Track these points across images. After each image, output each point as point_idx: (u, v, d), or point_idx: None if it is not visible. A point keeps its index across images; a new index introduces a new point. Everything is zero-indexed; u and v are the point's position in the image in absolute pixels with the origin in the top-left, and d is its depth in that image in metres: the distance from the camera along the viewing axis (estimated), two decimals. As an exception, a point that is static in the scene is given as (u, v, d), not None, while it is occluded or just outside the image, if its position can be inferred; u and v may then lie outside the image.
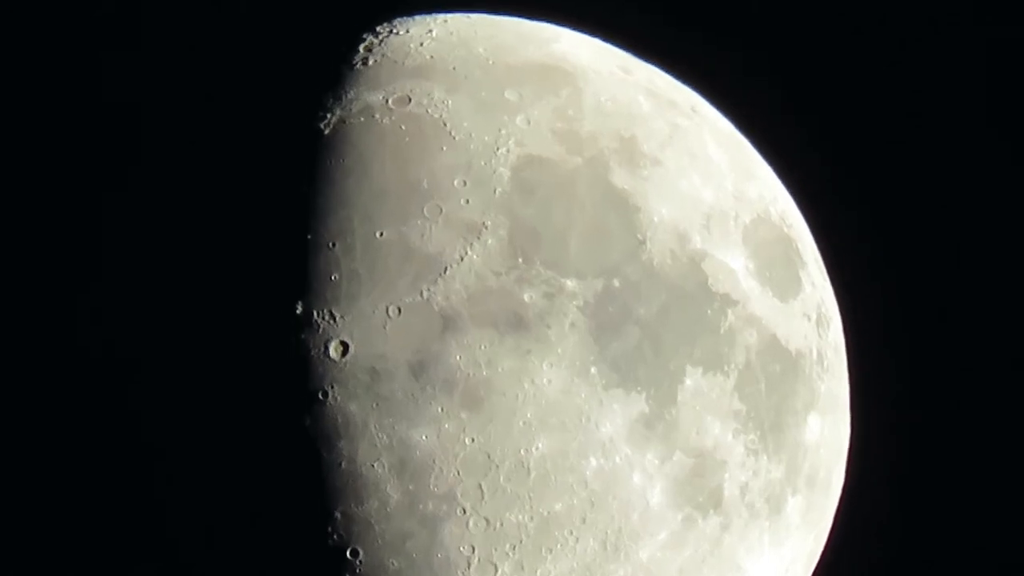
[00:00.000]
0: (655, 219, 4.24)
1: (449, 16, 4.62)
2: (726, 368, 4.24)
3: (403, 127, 4.20)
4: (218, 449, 4.06)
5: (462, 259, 4.03)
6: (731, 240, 4.39)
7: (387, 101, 4.27)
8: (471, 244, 4.04)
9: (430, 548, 4.03)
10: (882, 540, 6.10)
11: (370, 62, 4.42)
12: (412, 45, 4.43)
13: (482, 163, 4.15)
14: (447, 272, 4.02)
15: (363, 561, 4.03)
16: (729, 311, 4.29)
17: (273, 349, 4.03)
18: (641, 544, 4.14)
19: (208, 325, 4.09)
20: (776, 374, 4.37)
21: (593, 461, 4.05)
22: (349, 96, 4.30)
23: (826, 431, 4.60)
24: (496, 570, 4.04)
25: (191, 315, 4.10)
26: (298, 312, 4.03)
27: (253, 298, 4.07)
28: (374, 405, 3.98)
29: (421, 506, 4.00)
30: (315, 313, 4.02)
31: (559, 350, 4.03)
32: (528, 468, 4.01)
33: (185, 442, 4.08)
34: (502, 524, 4.02)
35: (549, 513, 4.04)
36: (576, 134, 4.28)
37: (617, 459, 4.07)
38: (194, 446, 4.07)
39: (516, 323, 4.02)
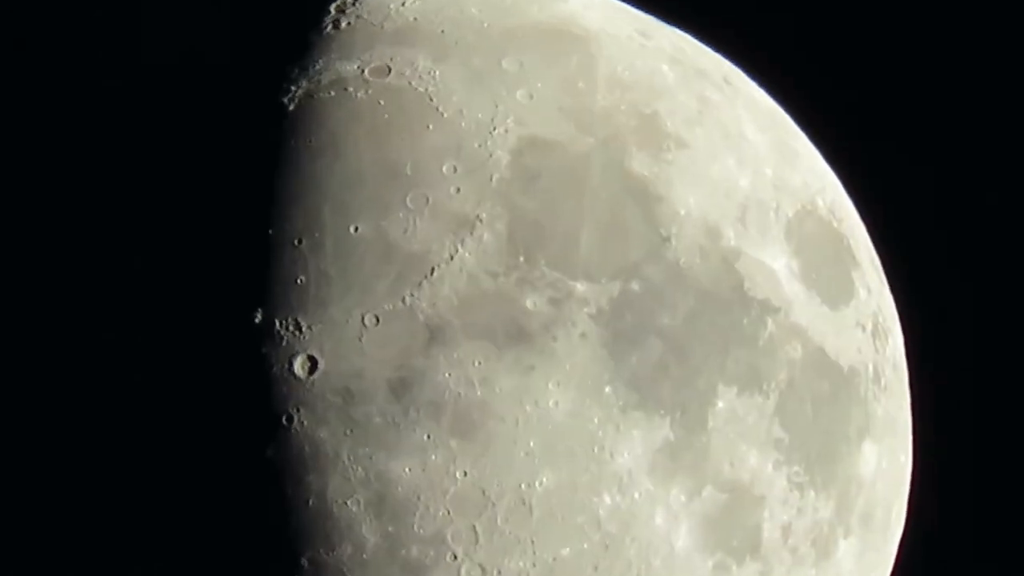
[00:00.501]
0: (681, 211, 4.13)
1: (437, -30, 4.60)
2: (765, 387, 4.12)
3: (382, 102, 4.09)
4: (162, 485, 3.91)
5: (452, 258, 3.91)
6: (771, 236, 4.28)
7: (363, 71, 4.15)
8: (463, 240, 3.92)
9: (414, 601, 4.03)
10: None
11: (342, 25, 4.31)
12: (392, 5, 4.33)
13: (476, 145, 4.03)
14: (434, 274, 3.89)
15: (335, 617, 4.05)
16: (769, 320, 4.17)
17: (227, 366, 3.90)
18: (665, 596, 4.13)
19: (147, 337, 3.95)
20: (825, 395, 4.26)
21: (607, 498, 3.93)
22: (318, 66, 4.19)
23: (884, 461, 4.50)
24: (492, 628, 4.04)
25: (126, 326, 3.96)
26: (257, 321, 3.89)
27: (202, 305, 3.94)
28: (348, 432, 3.84)
29: (404, 551, 3.88)
30: (277, 323, 3.88)
31: (567, 366, 3.91)
32: (530, 506, 3.88)
33: (123, 476, 3.93)
34: (500, 573, 3.91)
35: (555, 559, 3.93)
36: (587, 110, 4.18)
37: (636, 495, 3.95)
38: (134, 481, 3.93)
39: (516, 334, 3.89)
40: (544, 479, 3.88)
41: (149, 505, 3.94)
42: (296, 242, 3.92)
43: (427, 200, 3.94)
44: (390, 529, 3.85)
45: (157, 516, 3.93)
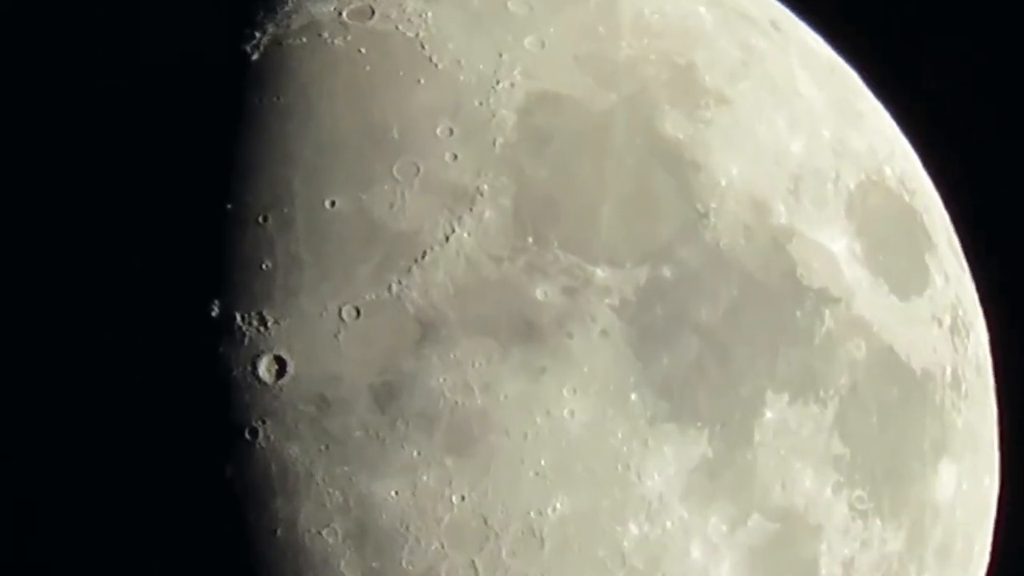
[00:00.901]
0: (722, 181, 3.96)
1: None
2: (822, 394, 3.96)
3: (363, 51, 3.94)
4: (99, 512, 3.71)
5: (447, 239, 3.74)
6: (830, 212, 4.14)
7: (340, 14, 4.01)
8: (460, 218, 3.75)
9: (403, 653, 4.01)
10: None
11: (316, -42, 4.31)
12: (375, -66, 4.33)
13: (476, 103, 3.86)
14: (426, 257, 3.72)
15: (307, 671, 4.03)
16: (827, 312, 4.01)
17: (176, 368, 3.71)
18: (703, 648, 4.14)
19: (80, 334, 3.75)
20: (893, 403, 4.11)
21: (634, 527, 3.76)
22: (287, 7, 4.04)
23: (964, 483, 4.39)
24: None
25: (57, 320, 3.77)
26: (213, 315, 3.71)
27: (147, 295, 3.73)
28: (323, 447, 3.67)
29: (390, 592, 3.94)
30: (238, 316, 3.71)
31: (585, 369, 3.74)
32: (541, 537, 3.71)
33: (56, 505, 3.76)
34: (504, 617, 3.97)
35: (571, 603, 3.99)
36: (609, 61, 4.03)
37: (668, 524, 3.79)
38: (68, 510, 3.75)
39: (524, 331, 3.72)
40: (558, 505, 3.73)
41: (85, 536, 3.76)
42: (260, 219, 3.75)
43: (418, 169, 3.78)
44: (373, 565, 3.68)
45: (94, 549, 3.74)
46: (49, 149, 3.99)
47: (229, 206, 3.76)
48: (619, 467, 3.75)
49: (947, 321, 4.41)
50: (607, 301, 3.79)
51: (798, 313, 3.97)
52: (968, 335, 4.53)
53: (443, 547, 3.69)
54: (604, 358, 3.77)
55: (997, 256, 4.98)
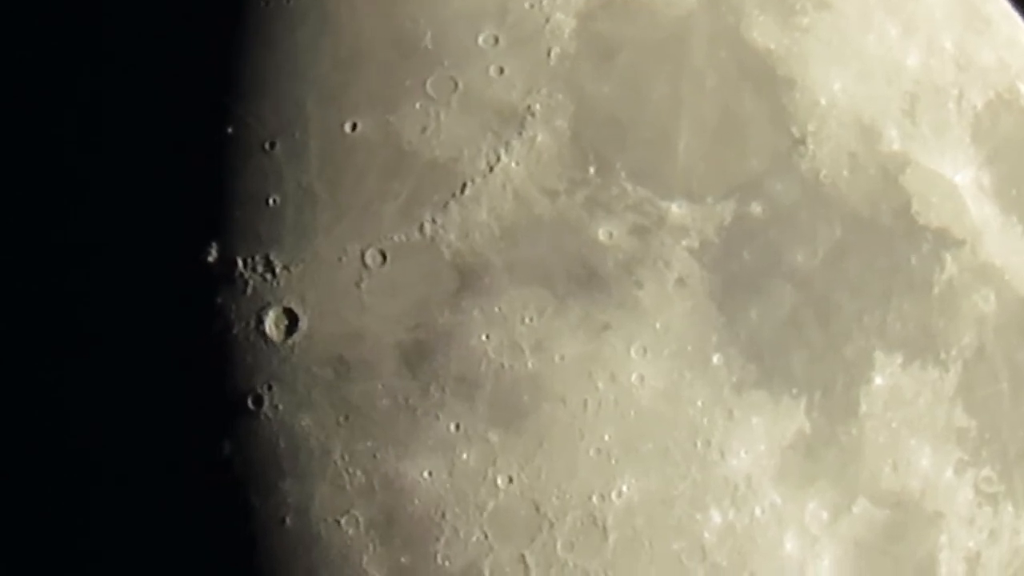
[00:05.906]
0: (822, 100, 3.90)
1: None
2: (943, 356, 3.88)
3: None
4: (81, 500, 3.66)
5: (492, 169, 3.68)
6: (952, 137, 4.05)
7: None
8: (507, 143, 3.68)
9: (437, 667, 3.97)
10: None
11: None
12: None
13: (527, 5, 3.81)
14: (466, 191, 3.66)
15: None
16: (948, 258, 3.93)
17: (167, 324, 3.64)
18: (799, 659, 4.11)
19: (50, 284, 3.69)
20: None
21: (716, 515, 3.69)
22: None
23: None
24: None
25: (26, 268, 3.72)
26: (211, 260, 3.64)
27: (132, 237, 3.66)
28: (341, 419, 3.60)
29: (423, 593, 3.86)
30: (240, 262, 3.64)
31: (658, 325, 3.66)
32: (605, 527, 3.63)
33: (29, 493, 3.70)
34: (560, 624, 3.89)
35: (641, 605, 3.87)
36: None
37: (757, 511, 3.72)
38: (42, 497, 3.70)
39: (585, 279, 3.66)
40: (624, 488, 3.66)
41: (63, 528, 3.71)
42: (267, 146, 3.70)
43: (456, 85, 3.72)
44: (403, 560, 3.61)
45: (75, 540, 3.69)
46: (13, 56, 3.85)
47: (229, 130, 3.71)
48: (698, 443, 3.69)
49: (1096, 268, 4.32)
50: (684, 243, 3.73)
51: (913, 258, 3.91)
52: (1121, 284, 4.39)
53: (487, 538, 3.63)
54: (680, 312, 3.70)
55: None
